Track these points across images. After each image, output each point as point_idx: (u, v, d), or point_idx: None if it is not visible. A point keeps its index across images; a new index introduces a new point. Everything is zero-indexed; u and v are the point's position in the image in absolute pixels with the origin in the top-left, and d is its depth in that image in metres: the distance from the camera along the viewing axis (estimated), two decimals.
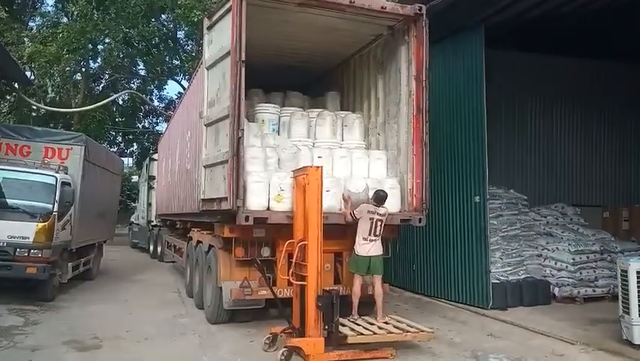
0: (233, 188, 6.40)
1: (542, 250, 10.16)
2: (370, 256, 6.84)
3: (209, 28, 7.62)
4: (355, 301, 6.93)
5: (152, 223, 18.40)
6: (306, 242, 6.08)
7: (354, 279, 6.98)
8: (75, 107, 24.48)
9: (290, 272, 6.37)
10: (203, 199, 7.64)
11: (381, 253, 6.98)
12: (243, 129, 6.57)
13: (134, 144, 34.81)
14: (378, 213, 6.85)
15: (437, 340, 6.89)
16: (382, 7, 7.51)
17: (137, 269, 14.89)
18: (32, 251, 8.75)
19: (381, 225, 6.87)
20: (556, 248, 10.04)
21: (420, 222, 7.46)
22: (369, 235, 6.82)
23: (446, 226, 9.69)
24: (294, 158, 7.47)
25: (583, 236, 10.47)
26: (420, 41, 7.51)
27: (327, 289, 6.36)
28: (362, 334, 6.26)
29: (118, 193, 16.29)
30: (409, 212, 7.53)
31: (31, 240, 8.76)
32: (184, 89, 23.89)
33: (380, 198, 6.92)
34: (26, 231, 8.76)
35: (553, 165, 12.80)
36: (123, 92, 27.85)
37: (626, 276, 6.55)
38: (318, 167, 6.30)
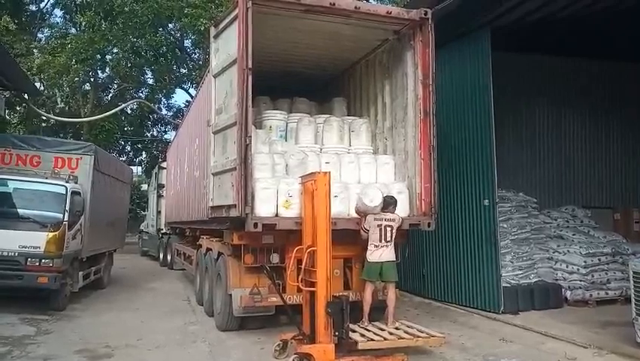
0: (242, 195, 6.41)
1: (553, 253, 10.08)
2: (382, 262, 6.78)
3: (216, 36, 7.66)
4: (366, 308, 6.88)
5: (162, 231, 18.49)
6: (315, 248, 6.06)
7: (366, 286, 6.94)
8: (84, 117, 24.66)
9: (299, 278, 6.36)
10: (211, 207, 7.65)
11: (394, 258, 6.91)
12: (251, 136, 6.59)
13: (143, 152, 35.01)
14: (385, 219, 6.79)
15: (448, 345, 6.85)
16: (388, 12, 7.55)
17: (147, 277, 14.94)
18: (43, 261, 8.79)
19: (391, 230, 6.79)
20: (568, 251, 9.96)
21: (429, 226, 7.44)
22: (380, 241, 6.76)
23: (456, 230, 9.65)
24: (301, 164, 7.47)
25: (594, 238, 10.38)
26: (426, 45, 7.51)
27: (337, 295, 6.34)
28: (373, 340, 6.22)
29: (127, 202, 16.36)
30: (418, 216, 7.51)
31: (42, 249, 8.80)
32: (192, 97, 24.05)
33: (386, 203, 6.87)
34: (37, 240, 8.80)
35: (562, 167, 12.71)
36: (132, 101, 28.05)
37: (639, 278, 6.49)
38: (325, 172, 6.28)
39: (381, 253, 6.78)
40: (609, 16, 9.61)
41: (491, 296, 8.89)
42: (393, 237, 6.82)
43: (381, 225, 6.77)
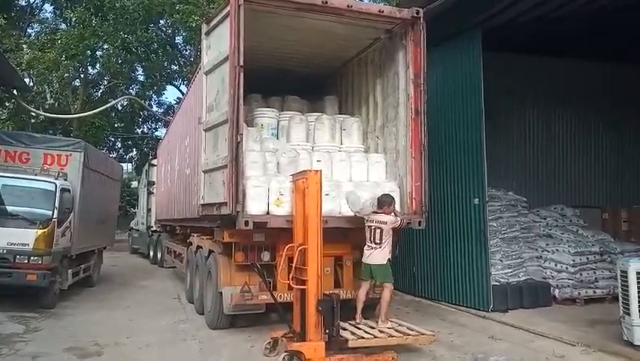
0: (233, 193, 6.40)
1: (542, 251, 10.16)
2: (370, 264, 6.79)
3: (208, 33, 7.63)
4: (359, 306, 6.90)
5: (152, 229, 18.37)
6: (306, 246, 6.06)
7: (361, 284, 6.96)
8: (74, 114, 24.47)
9: (290, 276, 6.35)
10: (202, 204, 7.63)
11: (382, 262, 6.76)
12: (242, 134, 6.58)
13: (133, 149, 34.81)
14: (376, 221, 6.75)
15: (438, 343, 6.87)
16: (380, 11, 7.56)
17: (138, 275, 14.87)
18: (32, 258, 8.75)
19: (381, 232, 6.69)
20: (556, 250, 10.04)
21: (420, 225, 7.46)
22: (370, 242, 6.77)
23: (446, 228, 9.69)
24: (293, 162, 7.47)
25: (582, 237, 10.47)
26: (417, 45, 7.53)
27: (328, 293, 6.34)
28: (363, 338, 6.25)
29: (117, 199, 16.29)
30: (409, 215, 7.51)
31: (31, 247, 8.76)
32: (183, 94, 23.90)
33: (379, 203, 6.85)
34: (26, 238, 8.76)
35: (552, 167, 12.80)
36: (122, 97, 27.85)
37: (626, 277, 6.56)
38: (317, 171, 6.27)
39: (369, 254, 6.78)
40: (602, 16, 9.65)
41: (481, 294, 8.95)
42: (384, 239, 6.70)
43: (371, 226, 6.77)
